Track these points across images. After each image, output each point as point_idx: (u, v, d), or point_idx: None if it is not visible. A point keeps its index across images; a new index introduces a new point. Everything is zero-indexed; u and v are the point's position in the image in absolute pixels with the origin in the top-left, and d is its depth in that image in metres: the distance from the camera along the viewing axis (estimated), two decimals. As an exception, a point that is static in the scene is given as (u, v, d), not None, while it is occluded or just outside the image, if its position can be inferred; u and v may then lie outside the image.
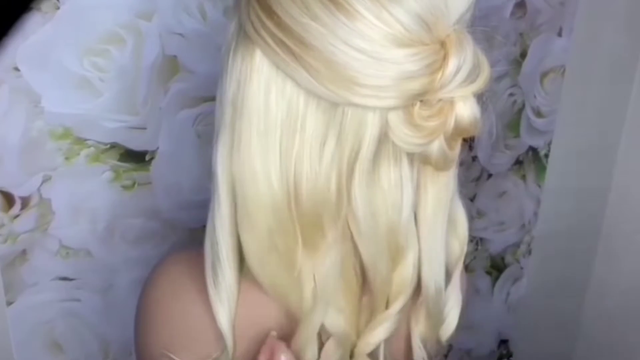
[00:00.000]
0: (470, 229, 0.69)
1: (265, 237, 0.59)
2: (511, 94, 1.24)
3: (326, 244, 0.59)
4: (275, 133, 0.56)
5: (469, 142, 0.64)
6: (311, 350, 0.63)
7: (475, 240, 1.36)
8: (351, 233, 0.60)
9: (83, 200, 0.96)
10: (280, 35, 0.53)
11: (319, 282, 0.60)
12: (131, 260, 1.02)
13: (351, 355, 0.66)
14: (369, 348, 0.65)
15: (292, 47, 0.53)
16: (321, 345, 0.66)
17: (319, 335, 0.65)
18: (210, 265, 0.62)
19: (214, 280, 0.62)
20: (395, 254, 0.62)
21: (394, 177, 0.59)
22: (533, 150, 1.33)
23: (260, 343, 0.64)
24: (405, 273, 0.64)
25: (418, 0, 0.52)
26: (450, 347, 1.43)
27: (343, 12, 0.52)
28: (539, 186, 1.37)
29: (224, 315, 0.62)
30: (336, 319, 0.63)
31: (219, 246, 0.61)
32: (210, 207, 0.62)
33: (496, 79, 1.20)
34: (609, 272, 1.41)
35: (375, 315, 0.65)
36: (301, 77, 0.54)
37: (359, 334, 0.66)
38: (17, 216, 0.93)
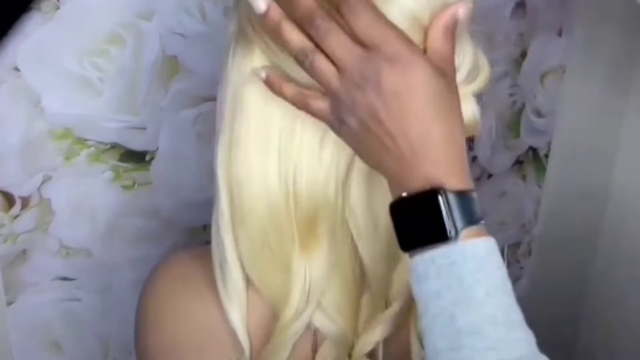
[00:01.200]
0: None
1: (259, 237, 0.59)
2: (511, 94, 1.24)
3: (323, 244, 0.59)
4: (274, 133, 0.56)
5: (468, 142, 0.64)
6: (286, 352, 0.63)
7: (475, 240, 1.36)
8: (351, 233, 0.61)
9: (83, 200, 0.96)
10: (279, 35, 0.53)
11: (311, 283, 0.60)
12: (131, 260, 1.02)
13: (350, 355, 0.66)
14: (367, 348, 0.65)
15: (290, 47, 0.53)
16: (315, 348, 0.66)
17: (314, 337, 0.65)
18: (218, 265, 0.62)
19: (223, 279, 0.62)
20: (395, 255, 0.62)
21: (394, 177, 0.59)
22: (533, 150, 1.33)
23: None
24: (405, 273, 0.63)
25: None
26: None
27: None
28: (539, 186, 1.37)
29: (235, 314, 0.62)
30: (331, 321, 0.63)
31: (224, 246, 0.61)
32: (213, 207, 0.62)
33: (496, 79, 1.20)
34: (609, 272, 1.41)
35: (375, 315, 0.65)
36: (300, 77, 0.54)
37: (357, 334, 0.66)
38: (17, 216, 0.93)
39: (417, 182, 0.51)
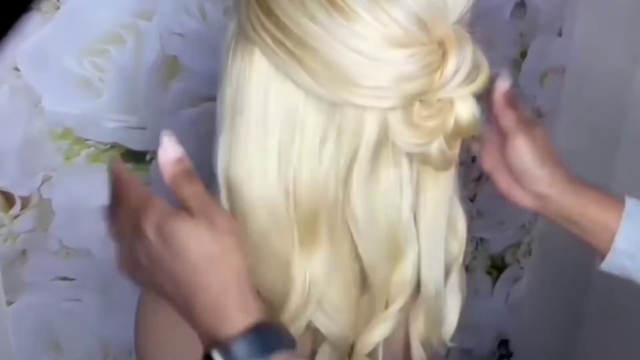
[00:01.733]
0: (471, 229, 0.69)
1: (259, 236, 0.59)
2: (511, 94, 1.24)
3: (323, 244, 0.59)
4: (274, 133, 0.56)
5: (469, 142, 0.64)
6: None
7: (475, 240, 1.36)
8: (351, 233, 0.60)
9: (83, 200, 0.96)
10: (279, 35, 0.53)
11: (312, 283, 0.60)
12: (131, 260, 1.02)
13: (349, 355, 0.66)
14: (367, 348, 0.65)
15: (290, 47, 0.53)
16: (315, 350, 0.66)
17: (314, 338, 0.65)
18: None
19: None
20: (395, 255, 0.62)
21: (394, 178, 0.59)
22: (533, 150, 1.33)
23: None
24: (405, 273, 0.64)
25: (416, 0, 0.52)
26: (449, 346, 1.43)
27: (340, 12, 0.52)
28: (539, 186, 1.37)
29: None
30: (330, 321, 0.63)
31: None
32: None
33: (496, 79, 1.20)
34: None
35: (375, 315, 0.65)
36: (300, 77, 0.54)
37: (357, 334, 0.65)
38: (17, 216, 0.93)
39: (204, 343, 0.52)
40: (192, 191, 0.54)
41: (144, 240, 0.52)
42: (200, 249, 0.52)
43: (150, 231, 0.52)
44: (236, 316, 0.52)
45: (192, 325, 0.53)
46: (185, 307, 0.53)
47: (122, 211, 0.55)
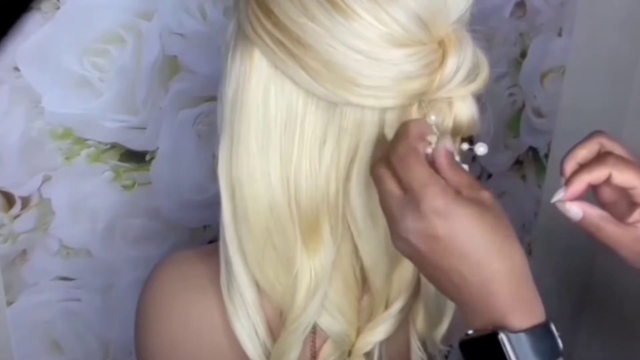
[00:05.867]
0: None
1: (263, 236, 0.59)
2: (511, 94, 1.24)
3: (325, 243, 0.59)
4: (274, 133, 0.56)
5: (468, 142, 0.64)
6: (296, 351, 0.63)
7: (476, 240, 1.36)
8: (351, 233, 0.61)
9: (83, 200, 0.96)
10: (278, 35, 0.53)
11: (315, 282, 0.60)
12: (131, 260, 1.02)
13: (348, 354, 0.66)
14: (367, 348, 0.65)
15: (290, 47, 0.53)
16: (315, 353, 0.66)
17: (313, 337, 0.65)
18: (224, 266, 0.62)
19: (227, 280, 0.62)
20: (395, 255, 0.62)
21: (393, 177, 0.59)
22: (533, 150, 1.33)
23: None
24: (405, 273, 0.64)
25: None
26: (450, 347, 1.43)
27: (340, 12, 0.52)
28: (539, 186, 1.37)
29: (240, 317, 0.62)
30: (333, 319, 0.63)
31: (227, 247, 0.61)
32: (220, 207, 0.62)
33: (496, 79, 1.20)
34: (609, 272, 1.41)
35: (375, 315, 0.65)
36: (300, 77, 0.54)
37: (358, 334, 0.66)
38: (17, 216, 0.93)
39: (479, 321, 0.50)
40: None
41: (420, 222, 0.49)
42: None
43: (431, 216, 0.49)
44: (527, 310, 0.50)
45: (462, 302, 0.51)
46: (459, 290, 0.51)
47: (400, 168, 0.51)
